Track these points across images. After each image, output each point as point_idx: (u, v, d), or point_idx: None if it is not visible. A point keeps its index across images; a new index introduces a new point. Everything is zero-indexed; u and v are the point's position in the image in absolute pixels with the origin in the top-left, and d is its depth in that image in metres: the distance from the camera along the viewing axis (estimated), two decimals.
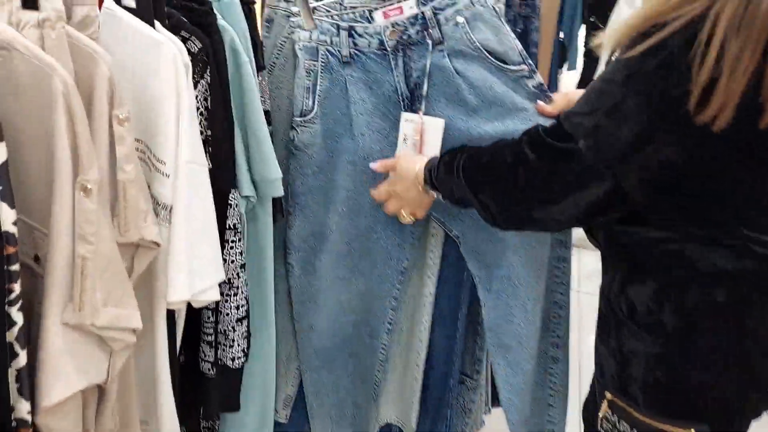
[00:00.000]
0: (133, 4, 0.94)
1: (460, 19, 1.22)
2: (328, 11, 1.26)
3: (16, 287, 0.72)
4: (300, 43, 1.26)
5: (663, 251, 0.94)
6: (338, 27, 1.25)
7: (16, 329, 0.73)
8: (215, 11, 1.11)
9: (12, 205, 0.70)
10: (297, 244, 1.37)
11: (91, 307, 0.81)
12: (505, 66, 1.24)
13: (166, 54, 0.93)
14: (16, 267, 0.71)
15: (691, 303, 0.93)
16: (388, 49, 1.25)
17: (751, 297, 0.92)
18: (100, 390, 0.92)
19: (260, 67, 1.23)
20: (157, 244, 0.92)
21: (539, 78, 1.26)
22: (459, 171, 1.07)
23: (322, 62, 1.27)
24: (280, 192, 1.21)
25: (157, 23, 0.96)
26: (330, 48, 1.26)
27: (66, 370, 0.81)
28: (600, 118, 0.88)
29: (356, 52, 1.26)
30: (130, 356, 0.95)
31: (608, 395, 1.02)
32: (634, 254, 0.98)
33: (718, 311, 0.92)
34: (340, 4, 1.26)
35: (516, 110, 1.25)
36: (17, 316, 0.73)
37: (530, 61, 1.26)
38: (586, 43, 6.24)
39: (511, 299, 1.35)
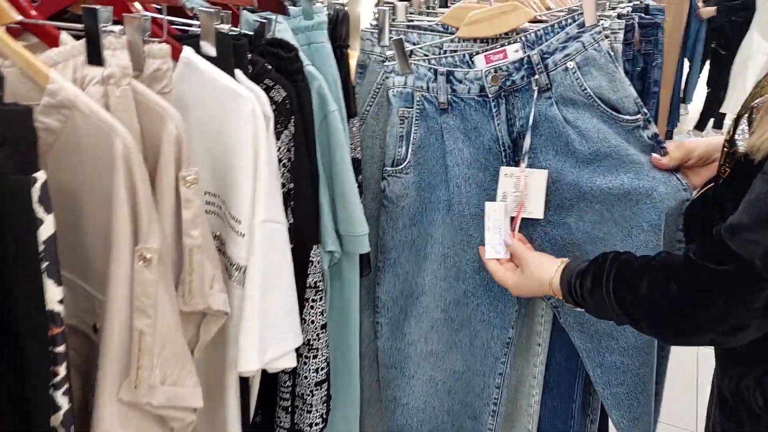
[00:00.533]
0: (213, 53, 0.88)
1: (571, 65, 1.10)
2: (426, 55, 1.16)
3: (61, 370, 0.66)
4: (394, 89, 1.18)
5: None
6: (436, 72, 1.15)
7: (61, 414, 0.67)
8: (304, 56, 1.04)
9: (59, 283, 0.64)
10: (386, 303, 1.27)
11: (148, 386, 0.75)
12: (619, 115, 1.11)
13: (244, 106, 0.86)
14: (61, 349, 0.66)
15: None
16: (490, 95, 1.14)
17: None
18: None
19: (352, 114, 1.16)
20: (225, 313, 0.85)
21: (654, 128, 1.13)
22: (610, 295, 0.94)
23: (418, 109, 1.17)
24: (366, 248, 1.12)
25: (238, 72, 0.90)
26: (426, 94, 1.17)
27: None
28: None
29: (454, 98, 1.16)
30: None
31: None
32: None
33: None
34: (439, 48, 1.16)
35: (630, 163, 1.12)
36: (62, 400, 0.67)
37: (645, 110, 1.12)
38: (710, 73, 5.85)
39: (626, 375, 1.19)
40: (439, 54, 1.17)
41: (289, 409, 1.10)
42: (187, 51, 0.87)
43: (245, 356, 0.90)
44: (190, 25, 0.95)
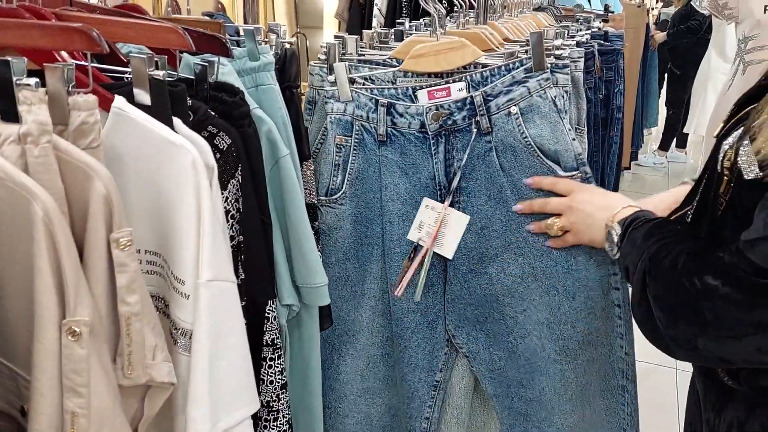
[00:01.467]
0: (148, 101, 0.82)
1: (514, 110, 1.07)
2: (366, 83, 1.12)
3: None
4: (332, 115, 1.15)
5: None
6: (377, 102, 1.12)
7: None
8: (251, 99, 0.99)
9: None
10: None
11: None
12: (557, 169, 1.08)
13: (183, 158, 0.80)
14: None
15: None
16: (430, 132, 1.11)
17: None
18: None
19: (305, 157, 1.10)
20: (171, 384, 0.78)
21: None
22: (644, 267, 0.87)
23: (356, 139, 1.14)
24: (326, 300, 1.06)
25: (176, 121, 0.84)
26: (366, 124, 1.14)
27: None
28: None
29: (394, 131, 1.12)
30: None
31: None
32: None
33: None
34: (392, 81, 1.12)
35: None
36: None
37: (587, 169, 1.09)
38: (667, 94, 5.95)
39: (535, 425, 1.17)
40: (382, 84, 1.13)
41: None
42: (119, 101, 0.81)
43: (194, 428, 0.82)
44: (125, 72, 0.89)
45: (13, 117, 0.65)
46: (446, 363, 1.21)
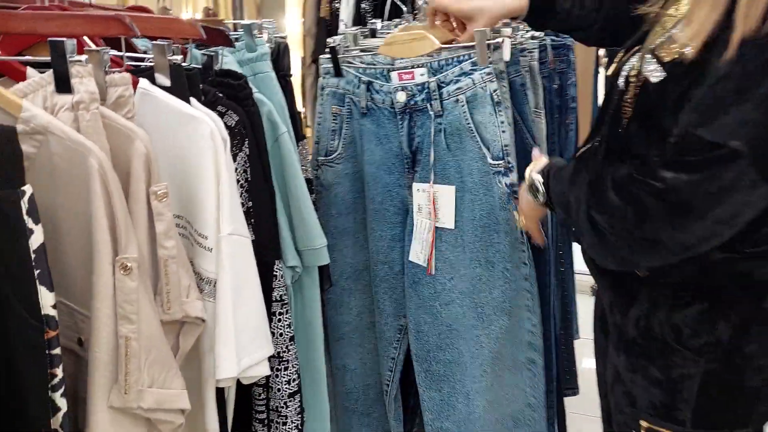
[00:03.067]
0: (168, 83, 0.95)
1: (461, 98, 1.22)
2: (352, 63, 1.31)
3: (59, 372, 0.70)
4: (328, 88, 1.33)
5: (722, 271, 0.94)
6: (360, 80, 1.29)
7: (60, 415, 0.70)
8: (251, 85, 1.12)
9: (51, 289, 0.69)
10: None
11: (137, 390, 0.79)
12: (487, 155, 1.22)
13: (203, 129, 0.93)
14: (57, 351, 0.70)
15: (743, 316, 0.96)
16: (396, 109, 1.27)
17: None
18: None
19: (300, 138, 1.23)
20: (202, 320, 0.90)
21: (515, 177, 1.23)
22: (581, 197, 0.98)
23: (347, 109, 1.32)
24: (326, 259, 1.19)
25: (193, 100, 0.97)
26: (353, 97, 1.31)
27: None
28: (747, 113, 0.81)
29: (373, 105, 1.30)
30: None
31: (644, 423, 1.02)
32: (686, 279, 0.97)
33: (765, 317, 0.96)
34: (362, 60, 1.30)
35: (487, 203, 1.24)
36: (61, 401, 0.70)
37: (510, 160, 1.23)
38: None
39: (450, 385, 1.31)
40: (365, 64, 1.30)
41: (265, 422, 1.14)
42: (144, 82, 0.94)
43: (223, 364, 0.94)
44: (142, 60, 1.02)
45: (66, 88, 0.78)
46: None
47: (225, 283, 0.95)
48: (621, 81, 1.01)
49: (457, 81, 1.23)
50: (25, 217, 0.67)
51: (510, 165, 1.24)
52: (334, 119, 1.34)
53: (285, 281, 1.13)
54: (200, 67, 1.05)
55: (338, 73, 1.31)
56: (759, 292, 0.95)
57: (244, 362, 0.97)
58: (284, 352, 1.13)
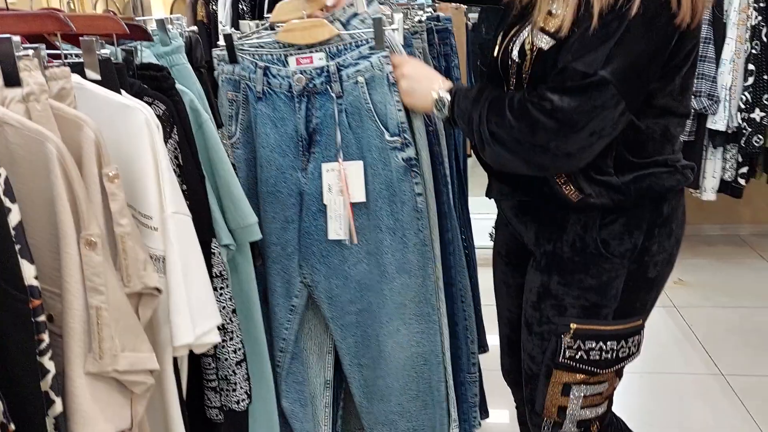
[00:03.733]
0: (98, 77, 1.01)
1: (360, 80, 1.34)
2: (246, 50, 1.39)
3: (45, 337, 0.76)
4: (223, 75, 1.40)
5: (632, 191, 1.22)
6: (256, 65, 1.37)
7: (49, 377, 0.76)
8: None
9: (32, 261, 0.75)
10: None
11: (111, 354, 0.85)
12: (385, 133, 1.36)
13: (138, 117, 1.00)
14: (42, 318, 0.76)
15: (649, 222, 1.25)
16: (295, 93, 1.37)
17: (678, 207, 1.30)
18: None
19: (219, 125, 1.31)
20: (159, 290, 0.97)
21: (412, 152, 1.38)
22: (483, 114, 1.21)
23: (243, 95, 1.40)
24: (257, 235, 1.28)
25: (122, 92, 1.04)
26: (249, 83, 1.39)
27: (95, 417, 0.85)
28: (605, 52, 1.09)
29: (269, 90, 1.38)
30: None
31: (573, 326, 1.29)
32: (607, 204, 1.24)
33: (664, 220, 1.27)
34: (261, 46, 1.39)
35: (386, 176, 1.38)
36: (49, 365, 0.76)
37: (407, 135, 1.37)
38: None
39: (362, 330, 1.47)
40: (261, 50, 1.39)
41: (217, 389, 1.21)
42: (75, 77, 0.99)
43: (179, 332, 1.02)
44: (67, 56, 1.06)
45: (16, 82, 0.83)
46: (301, 291, 1.48)
47: (174, 257, 1.02)
48: (515, 54, 1.23)
49: (356, 64, 1.35)
50: (2, 196, 0.72)
51: (406, 141, 1.37)
52: (230, 105, 1.42)
53: (222, 258, 1.21)
54: (124, 62, 1.11)
55: (233, 59, 1.40)
56: (657, 200, 1.26)
57: (198, 330, 1.05)
58: (228, 323, 1.21)
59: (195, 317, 1.04)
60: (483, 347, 2.21)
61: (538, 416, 1.39)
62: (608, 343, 1.29)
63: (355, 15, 1.39)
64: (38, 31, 0.95)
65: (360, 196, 1.39)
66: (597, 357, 1.29)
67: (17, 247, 0.73)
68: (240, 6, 3.36)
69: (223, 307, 1.20)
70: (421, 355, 1.47)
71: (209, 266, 1.18)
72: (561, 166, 1.21)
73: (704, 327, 2.99)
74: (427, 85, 1.32)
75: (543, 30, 1.18)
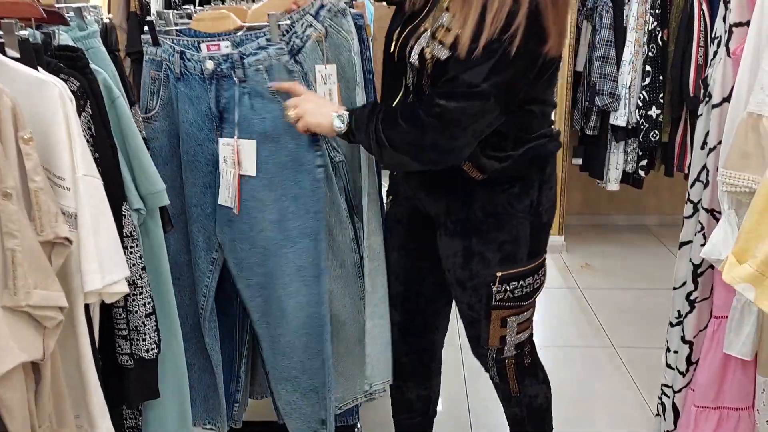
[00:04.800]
0: (17, 55, 1.15)
1: (261, 68, 1.52)
2: (167, 35, 1.57)
3: None
4: (147, 56, 1.56)
5: (525, 160, 1.51)
6: (174, 49, 1.54)
7: None
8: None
9: None
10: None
11: (24, 291, 1.00)
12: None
13: (52, 90, 1.13)
14: None
15: (539, 182, 1.56)
16: (206, 75, 1.53)
17: (554, 167, 1.61)
18: (37, 374, 1.09)
19: (132, 102, 1.45)
20: (69, 241, 1.11)
21: None
22: (378, 126, 1.42)
23: (164, 74, 1.56)
24: (165, 201, 1.42)
25: (39, 68, 1.17)
26: (169, 64, 1.55)
27: (11, 346, 0.99)
28: (489, 67, 1.33)
29: (186, 72, 1.55)
30: (56, 348, 1.12)
31: (499, 274, 1.55)
32: (509, 173, 1.51)
33: (548, 178, 1.58)
34: (179, 33, 1.56)
35: (292, 150, 1.56)
36: None
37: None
38: None
39: (267, 291, 1.64)
40: (178, 36, 1.56)
41: (127, 338, 1.35)
42: None
43: (89, 278, 1.16)
44: None
45: None
46: (219, 247, 1.65)
47: (85, 213, 1.16)
48: (415, 59, 1.46)
49: (256, 54, 1.52)
50: None
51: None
52: (152, 83, 1.59)
53: (132, 220, 1.35)
54: (41, 43, 1.24)
55: (155, 42, 1.56)
56: (543, 164, 1.57)
57: (107, 278, 1.19)
58: (138, 279, 1.35)
59: (104, 267, 1.19)
60: None
61: (484, 349, 1.67)
62: (527, 279, 1.59)
63: (322, 6, 1.58)
64: None
65: (251, 170, 1.56)
66: (520, 293, 1.59)
67: None
68: None
69: (133, 264, 1.34)
70: (319, 315, 1.64)
71: (120, 227, 1.32)
72: (447, 160, 1.45)
73: (603, 306, 3.25)
74: (324, 109, 1.50)
75: (439, 41, 1.39)
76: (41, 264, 1.02)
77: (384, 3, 1.72)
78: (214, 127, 1.57)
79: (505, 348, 1.66)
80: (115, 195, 1.31)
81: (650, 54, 3.42)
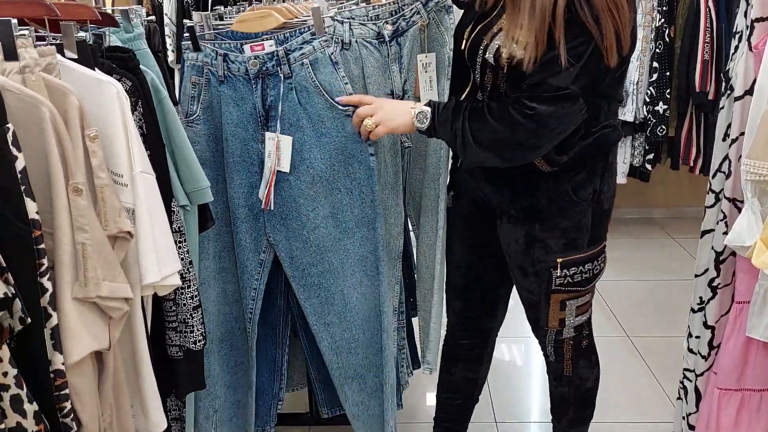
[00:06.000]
0: (75, 56, 1.19)
1: (305, 62, 1.55)
2: (208, 39, 1.59)
3: (45, 261, 0.94)
4: (188, 61, 1.58)
5: (592, 147, 1.56)
6: (216, 53, 1.57)
7: (48, 295, 0.94)
8: None
9: (33, 199, 0.93)
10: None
11: (94, 282, 1.04)
12: (336, 104, 1.57)
13: (110, 90, 1.17)
14: (42, 246, 0.94)
15: (602, 170, 1.61)
16: (251, 75, 1.57)
17: (615, 156, 1.68)
18: (100, 364, 1.13)
19: (175, 103, 1.49)
20: (131, 235, 1.15)
21: None
22: (465, 122, 1.49)
23: (206, 78, 1.59)
24: (209, 197, 1.46)
25: (96, 69, 1.21)
26: (211, 68, 1.58)
27: (81, 335, 1.03)
28: (576, 72, 1.41)
29: (229, 74, 1.58)
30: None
31: (559, 260, 1.61)
32: (573, 161, 1.56)
33: (609, 166, 1.64)
34: (221, 35, 1.59)
35: (340, 142, 1.59)
36: (47, 284, 0.95)
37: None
38: None
39: (326, 289, 1.67)
40: (220, 40, 1.59)
41: (177, 330, 1.40)
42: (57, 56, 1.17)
43: (147, 272, 1.20)
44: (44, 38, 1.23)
45: (14, 57, 1.00)
46: (268, 248, 1.68)
47: (142, 209, 1.20)
48: (490, 57, 1.51)
49: (301, 48, 1.55)
50: (11, 146, 0.90)
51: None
52: (193, 88, 1.61)
53: (180, 216, 1.40)
54: (94, 44, 1.29)
55: (196, 48, 1.58)
56: (606, 153, 1.62)
57: (163, 272, 1.23)
58: (186, 273, 1.40)
59: (160, 261, 1.23)
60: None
61: (543, 330, 1.73)
62: (586, 265, 1.65)
63: None
64: (30, 15, 1.12)
65: (285, 166, 1.59)
66: (580, 278, 1.65)
67: (22, 187, 0.91)
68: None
69: (182, 258, 1.38)
70: (378, 306, 1.68)
71: (170, 223, 1.36)
72: (528, 157, 1.54)
73: (616, 298, 3.30)
74: (400, 108, 1.55)
75: (515, 41, 1.44)
76: (109, 257, 1.07)
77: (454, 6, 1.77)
78: (260, 125, 1.59)
79: (564, 330, 1.72)
80: (165, 191, 1.36)
81: (657, 50, 3.47)
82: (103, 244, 1.06)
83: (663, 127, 3.54)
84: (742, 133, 1.61)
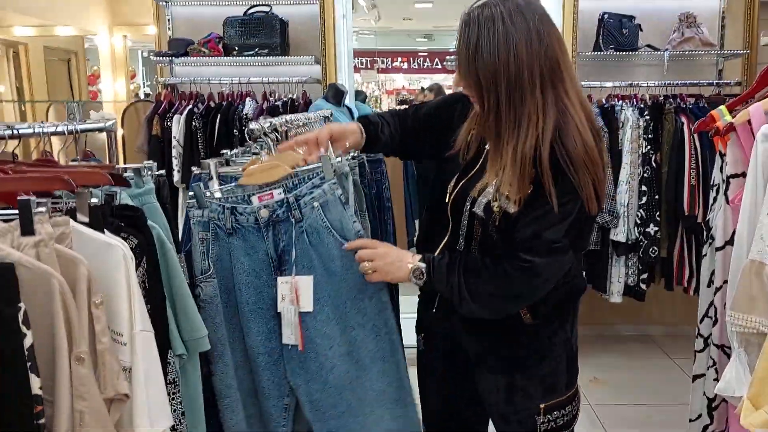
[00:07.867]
0: (86, 220, 1.26)
1: (316, 205, 1.63)
2: (214, 195, 1.65)
3: None
4: (194, 219, 1.63)
5: (564, 300, 1.65)
6: (223, 207, 1.62)
7: None
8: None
9: (38, 375, 0.96)
10: (222, 391, 1.64)
11: None
12: (345, 243, 1.63)
13: (117, 253, 1.23)
14: (42, 420, 0.96)
15: (570, 318, 1.70)
16: (261, 224, 1.63)
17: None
18: None
19: (178, 251, 1.55)
20: (128, 396, 1.18)
21: None
22: (461, 278, 1.55)
23: (213, 233, 1.63)
24: (207, 346, 1.50)
25: (106, 231, 1.28)
26: (218, 222, 1.63)
27: None
28: (566, 225, 1.50)
29: (238, 226, 1.63)
30: None
31: (542, 405, 1.65)
32: (551, 313, 1.64)
33: (575, 312, 1.73)
34: (226, 192, 1.66)
35: (349, 275, 1.63)
36: None
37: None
38: None
39: (348, 429, 1.66)
40: (226, 195, 1.65)
41: None
42: (70, 220, 1.23)
43: (139, 429, 1.22)
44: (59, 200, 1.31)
45: (30, 232, 1.07)
46: (291, 391, 1.68)
47: (139, 369, 1.24)
48: (479, 211, 1.58)
49: (311, 192, 1.63)
50: (21, 325, 0.95)
51: None
52: (202, 244, 1.64)
53: (175, 367, 1.43)
54: (105, 203, 1.36)
55: (201, 206, 1.64)
56: (575, 299, 1.72)
57: (154, 428, 1.25)
58: (178, 424, 1.41)
59: (153, 419, 1.25)
60: None
61: None
62: (566, 408, 1.70)
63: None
64: (49, 189, 1.20)
65: (308, 306, 1.63)
66: (562, 421, 1.70)
67: (29, 363, 0.95)
68: (193, 123, 3.67)
69: (174, 410, 1.40)
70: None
71: (165, 374, 1.39)
72: (519, 307, 1.61)
73: (614, 423, 3.27)
74: (400, 262, 1.61)
75: (504, 196, 1.52)
76: (106, 425, 1.09)
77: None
78: (273, 271, 1.63)
79: None
80: (162, 343, 1.39)
81: (645, 175, 3.60)
82: (101, 413, 1.08)
83: (655, 248, 3.61)
84: (725, 282, 1.67)
